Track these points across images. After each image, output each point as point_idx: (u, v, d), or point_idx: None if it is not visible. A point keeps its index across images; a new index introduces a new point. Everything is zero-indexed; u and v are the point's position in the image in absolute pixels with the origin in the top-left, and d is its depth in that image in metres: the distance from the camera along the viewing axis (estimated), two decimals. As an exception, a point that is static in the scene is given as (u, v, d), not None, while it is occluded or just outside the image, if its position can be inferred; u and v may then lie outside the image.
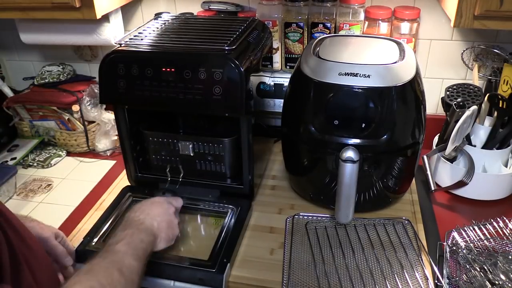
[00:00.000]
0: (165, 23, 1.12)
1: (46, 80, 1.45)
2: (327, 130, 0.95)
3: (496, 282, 0.84)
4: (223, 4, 1.29)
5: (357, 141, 0.93)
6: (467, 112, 1.02)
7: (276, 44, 1.29)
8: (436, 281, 0.87)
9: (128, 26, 1.43)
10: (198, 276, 0.88)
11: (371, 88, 0.89)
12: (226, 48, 0.92)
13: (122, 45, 0.99)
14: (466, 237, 0.99)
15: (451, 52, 1.26)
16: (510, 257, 0.90)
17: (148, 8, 1.39)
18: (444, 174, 1.15)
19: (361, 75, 0.89)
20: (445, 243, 0.97)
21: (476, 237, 0.99)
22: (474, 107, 1.05)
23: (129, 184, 1.17)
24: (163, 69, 0.93)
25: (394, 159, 0.99)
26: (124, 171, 1.17)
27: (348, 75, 0.90)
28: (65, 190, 1.25)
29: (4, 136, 1.45)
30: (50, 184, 1.27)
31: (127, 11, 1.40)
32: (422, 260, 0.92)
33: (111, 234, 0.90)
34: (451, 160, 1.13)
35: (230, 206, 1.06)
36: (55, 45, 1.36)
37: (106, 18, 1.26)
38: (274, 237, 1.01)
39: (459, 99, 1.09)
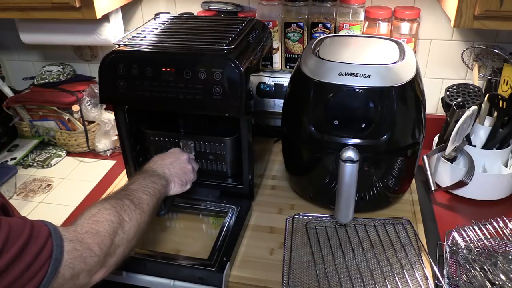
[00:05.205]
0: (164, 23, 1.12)
1: (46, 80, 1.45)
2: (327, 130, 0.95)
3: (496, 282, 0.84)
4: (223, 4, 1.29)
5: (357, 141, 0.93)
6: (467, 112, 1.02)
7: (276, 44, 1.29)
8: (436, 281, 0.87)
9: (128, 26, 1.42)
10: (198, 275, 0.88)
11: (371, 88, 0.89)
12: (225, 47, 0.92)
13: (121, 45, 0.99)
14: (466, 237, 0.99)
15: (451, 52, 1.26)
16: (510, 257, 0.90)
17: (148, 8, 1.39)
18: (444, 174, 1.15)
19: (361, 75, 0.89)
20: (445, 243, 0.97)
21: (476, 237, 0.99)
22: (474, 107, 1.05)
23: (129, 184, 1.16)
24: (163, 69, 0.93)
25: (394, 159, 0.98)
26: (124, 171, 1.17)
27: (348, 75, 0.90)
28: (65, 190, 1.25)
29: (4, 136, 1.45)
30: (50, 184, 1.27)
31: (127, 11, 1.40)
32: (422, 260, 0.92)
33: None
34: (451, 160, 1.13)
35: (230, 206, 1.06)
36: (55, 45, 1.36)
37: (106, 18, 1.26)
38: (274, 237, 1.01)
39: (459, 99, 1.09)
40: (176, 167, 0.95)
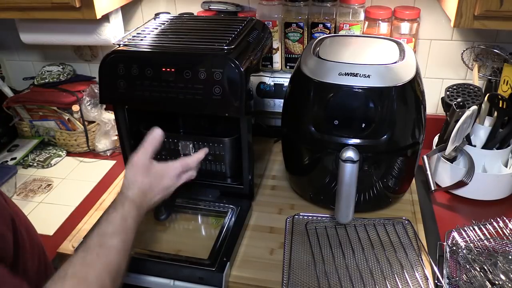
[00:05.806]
0: (164, 23, 1.12)
1: (46, 80, 1.45)
2: (327, 130, 0.95)
3: (496, 282, 0.84)
4: (223, 4, 1.29)
5: (357, 141, 0.93)
6: (467, 112, 1.02)
7: (276, 44, 1.29)
8: (436, 281, 0.87)
9: (128, 26, 1.43)
10: (198, 275, 0.88)
11: (371, 88, 0.89)
12: (225, 47, 0.92)
13: (121, 45, 0.99)
14: (466, 237, 0.99)
15: (451, 52, 1.26)
16: (510, 257, 0.90)
17: (148, 8, 1.40)
18: (444, 174, 1.15)
19: (361, 75, 0.89)
20: (445, 243, 0.97)
21: (476, 237, 0.99)
22: (474, 107, 1.05)
23: (129, 184, 1.16)
24: (163, 69, 0.93)
25: (394, 159, 0.98)
26: (124, 171, 1.17)
27: (348, 75, 0.90)
28: (65, 190, 1.25)
29: (4, 136, 1.45)
30: (50, 184, 1.27)
31: (127, 11, 1.40)
32: (422, 260, 0.92)
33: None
34: (451, 160, 1.13)
35: (230, 206, 1.06)
36: (55, 45, 1.36)
37: (106, 18, 1.26)
38: (274, 237, 1.01)
39: (459, 99, 1.09)
40: (160, 193, 0.88)
